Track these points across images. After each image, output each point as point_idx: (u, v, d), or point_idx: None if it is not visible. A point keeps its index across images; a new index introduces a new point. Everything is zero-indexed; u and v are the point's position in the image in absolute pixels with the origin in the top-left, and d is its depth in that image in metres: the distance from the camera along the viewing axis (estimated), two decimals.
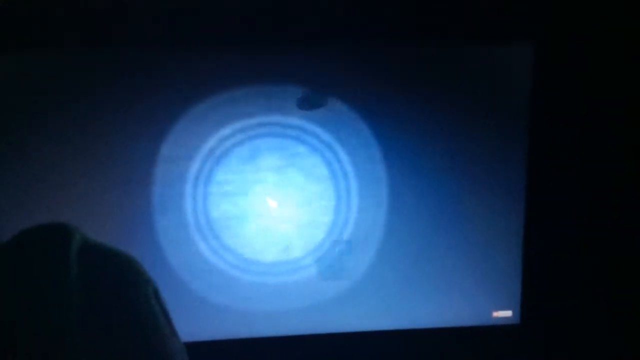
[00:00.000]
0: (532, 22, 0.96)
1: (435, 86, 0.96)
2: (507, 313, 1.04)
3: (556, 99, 0.99)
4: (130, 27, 0.90)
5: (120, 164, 0.93)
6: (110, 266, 0.46)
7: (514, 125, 0.99)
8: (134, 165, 0.94)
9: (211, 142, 0.95)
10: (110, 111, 0.92)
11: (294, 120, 0.95)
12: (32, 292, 0.41)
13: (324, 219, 0.99)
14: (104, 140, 0.92)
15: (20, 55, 0.89)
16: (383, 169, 0.98)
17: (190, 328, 0.98)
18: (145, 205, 0.95)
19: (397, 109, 0.96)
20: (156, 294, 0.48)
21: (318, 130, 0.96)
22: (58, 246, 0.44)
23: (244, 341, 1.00)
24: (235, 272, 0.98)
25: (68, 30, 0.89)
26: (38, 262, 0.43)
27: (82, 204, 0.93)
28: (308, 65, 0.94)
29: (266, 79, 0.94)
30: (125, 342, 0.43)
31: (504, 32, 0.97)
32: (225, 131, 0.95)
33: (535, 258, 1.03)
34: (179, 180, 0.95)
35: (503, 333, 1.05)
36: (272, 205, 0.97)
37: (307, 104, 0.91)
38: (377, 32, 0.94)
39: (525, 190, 1.01)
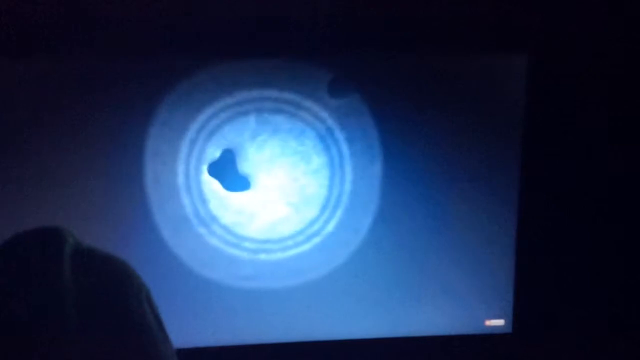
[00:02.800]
0: (526, 33, 0.97)
1: (430, 95, 0.97)
2: (500, 322, 1.04)
3: (550, 110, 1.00)
4: (126, 33, 0.91)
5: (114, 168, 0.94)
6: (102, 270, 0.46)
7: (508, 135, 1.00)
8: (129, 169, 0.94)
9: (203, 144, 0.95)
10: (105, 115, 0.92)
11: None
12: (25, 295, 0.41)
13: (314, 221, 0.99)
14: (98, 144, 0.93)
15: (19, 60, 0.90)
16: (376, 177, 0.98)
17: (183, 334, 0.98)
18: (140, 209, 0.95)
19: (393, 117, 0.97)
20: (149, 298, 0.48)
21: (315, 132, 0.97)
22: (51, 250, 0.44)
23: (236, 348, 1.00)
24: (230, 275, 0.99)
25: (65, 36, 0.90)
26: (31, 265, 0.43)
27: (76, 207, 0.93)
28: (308, 73, 0.95)
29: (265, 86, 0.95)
30: (117, 346, 0.43)
31: (499, 44, 0.98)
32: (218, 131, 0.95)
33: (527, 267, 1.03)
34: (174, 184, 0.95)
35: (495, 342, 1.05)
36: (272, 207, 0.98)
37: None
38: (375, 42, 0.95)
39: (518, 199, 1.01)
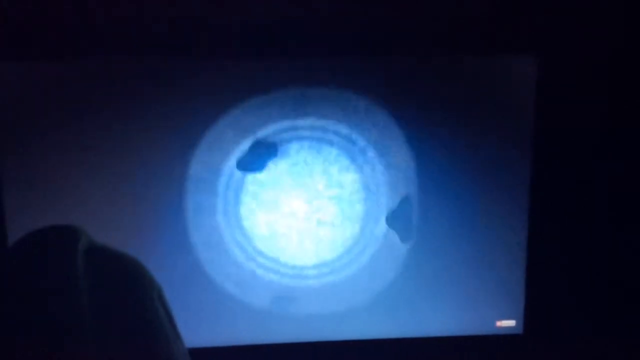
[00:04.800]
0: (536, 35, 0.97)
1: (440, 97, 0.97)
2: (511, 322, 1.04)
3: (560, 110, 1.00)
4: (137, 34, 0.91)
5: (127, 168, 0.94)
6: (115, 268, 0.47)
7: (519, 136, 0.99)
8: (142, 169, 0.95)
9: (218, 145, 0.96)
10: (120, 117, 0.93)
11: (300, 123, 0.96)
12: (39, 293, 0.42)
13: (329, 225, 0.99)
14: (111, 144, 0.93)
15: (29, 63, 0.90)
16: (387, 178, 0.99)
17: (194, 334, 0.98)
18: (152, 208, 0.95)
19: (402, 119, 0.97)
20: (160, 296, 0.48)
21: (322, 133, 0.97)
22: (65, 248, 0.44)
23: (246, 348, 1.01)
24: (242, 276, 0.99)
25: (72, 38, 0.91)
26: (45, 263, 0.44)
27: (89, 207, 0.94)
28: (317, 74, 0.95)
29: (270, 89, 0.95)
30: (129, 344, 0.43)
31: (509, 45, 0.97)
32: (237, 135, 0.96)
33: (538, 267, 1.03)
34: (185, 184, 0.96)
35: (506, 343, 1.04)
36: (284, 206, 0.98)
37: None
38: (384, 43, 0.95)
39: (529, 199, 1.01)
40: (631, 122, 1.02)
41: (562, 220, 1.03)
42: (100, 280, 0.44)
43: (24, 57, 0.90)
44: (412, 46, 0.96)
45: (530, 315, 1.04)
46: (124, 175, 0.94)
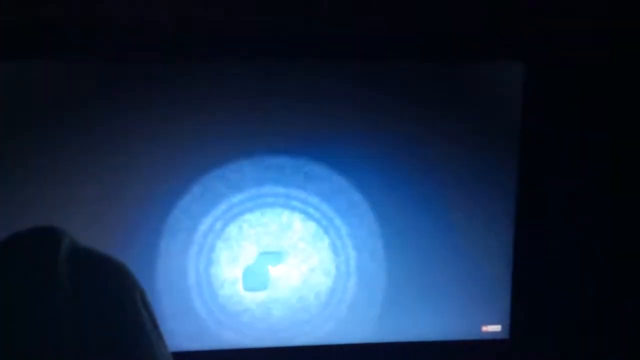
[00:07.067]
0: (524, 42, 0.98)
1: (428, 104, 0.98)
2: (497, 328, 1.04)
3: (547, 117, 1.01)
4: (131, 38, 0.91)
5: (114, 171, 0.94)
6: (98, 270, 0.46)
7: (506, 143, 1.00)
8: (128, 172, 0.94)
9: (211, 155, 0.96)
10: (109, 119, 0.93)
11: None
12: (20, 295, 0.42)
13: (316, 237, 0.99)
14: (99, 147, 0.93)
15: (22, 64, 0.90)
16: (373, 183, 0.99)
17: (178, 337, 0.98)
18: (139, 213, 0.95)
19: (391, 124, 0.98)
20: (143, 298, 0.48)
21: (306, 143, 0.97)
22: (47, 250, 0.44)
23: (232, 352, 1.00)
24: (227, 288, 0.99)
25: (69, 39, 0.90)
26: (26, 265, 0.43)
27: (74, 209, 0.93)
28: (306, 79, 0.96)
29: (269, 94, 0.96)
30: (112, 346, 0.43)
31: (497, 52, 0.98)
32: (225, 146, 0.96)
33: (524, 273, 1.03)
34: (173, 191, 0.96)
35: (492, 348, 1.04)
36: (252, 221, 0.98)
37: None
38: (373, 50, 0.96)
39: (516, 205, 1.01)
40: (617, 127, 1.03)
41: (548, 225, 1.04)
42: (82, 282, 0.44)
43: (23, 57, 0.90)
44: (401, 54, 0.97)
45: (516, 320, 1.04)
46: (113, 177, 0.94)
